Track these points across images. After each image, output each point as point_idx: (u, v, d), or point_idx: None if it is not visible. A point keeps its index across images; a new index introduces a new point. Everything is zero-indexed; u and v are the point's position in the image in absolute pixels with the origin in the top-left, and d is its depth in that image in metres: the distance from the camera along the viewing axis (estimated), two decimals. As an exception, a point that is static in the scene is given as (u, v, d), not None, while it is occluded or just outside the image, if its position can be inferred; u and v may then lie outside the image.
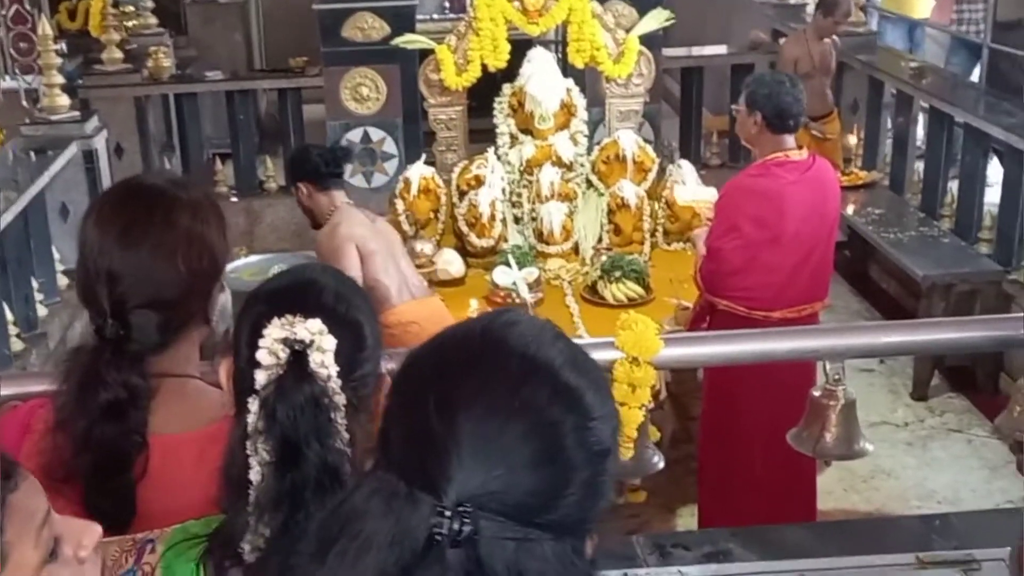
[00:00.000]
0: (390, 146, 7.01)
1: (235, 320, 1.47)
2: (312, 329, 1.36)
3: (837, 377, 1.94)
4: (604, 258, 4.90)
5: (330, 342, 1.36)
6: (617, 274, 4.69)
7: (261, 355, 1.36)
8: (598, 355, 2.00)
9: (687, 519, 4.33)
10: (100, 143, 5.74)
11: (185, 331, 1.67)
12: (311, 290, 1.44)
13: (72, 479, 1.55)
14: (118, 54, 7.08)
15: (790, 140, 3.78)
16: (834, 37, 6.63)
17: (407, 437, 0.95)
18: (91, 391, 1.57)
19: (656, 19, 5.49)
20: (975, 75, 6.94)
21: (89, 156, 5.60)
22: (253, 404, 1.36)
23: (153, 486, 1.56)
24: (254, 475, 1.37)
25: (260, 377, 1.36)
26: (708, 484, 4.04)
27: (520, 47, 5.34)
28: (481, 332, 1.01)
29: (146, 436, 1.58)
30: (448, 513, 0.89)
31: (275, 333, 1.36)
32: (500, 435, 0.92)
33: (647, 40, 5.42)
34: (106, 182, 5.64)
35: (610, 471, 0.98)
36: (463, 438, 0.91)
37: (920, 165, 6.57)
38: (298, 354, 1.36)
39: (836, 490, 4.53)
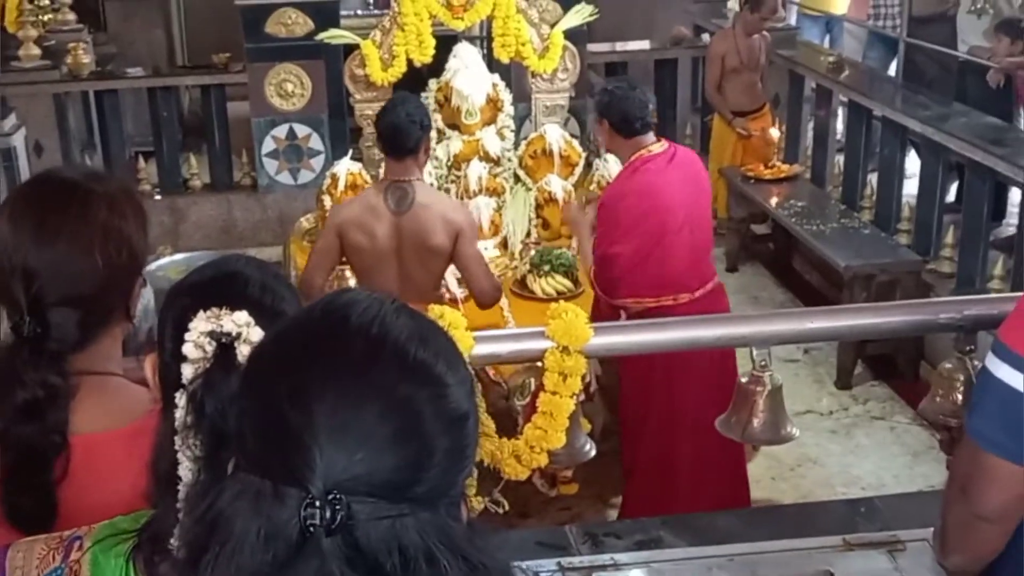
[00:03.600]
0: (316, 142, 6.96)
1: (159, 314, 1.45)
2: (239, 321, 1.34)
3: (764, 363, 1.97)
4: (533, 252, 4.92)
5: (258, 334, 1.34)
6: (546, 268, 4.72)
7: (187, 349, 1.34)
8: (529, 344, 2.01)
9: (618, 510, 4.36)
10: (19, 141, 5.63)
11: (106, 328, 1.63)
12: (236, 282, 1.42)
13: None
14: (36, 51, 6.91)
15: (646, 139, 3.87)
16: (764, 33, 6.73)
17: (263, 433, 0.94)
18: (8, 391, 1.52)
19: (580, 14, 5.51)
20: (892, 69, 7.09)
21: (7, 154, 5.49)
22: (180, 399, 1.34)
23: (76, 486, 1.53)
24: (183, 471, 1.35)
25: (187, 371, 1.34)
26: (629, 476, 4.08)
27: (445, 42, 5.33)
28: (321, 316, 1.00)
29: (66, 436, 1.54)
30: (318, 503, 0.88)
31: (201, 326, 1.34)
32: (356, 419, 0.91)
33: (571, 35, 5.44)
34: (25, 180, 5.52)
35: (471, 433, 0.98)
36: (319, 427, 0.91)
37: (840, 158, 6.70)
38: (225, 347, 1.33)
39: (764, 479, 4.60)
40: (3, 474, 1.51)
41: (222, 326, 1.33)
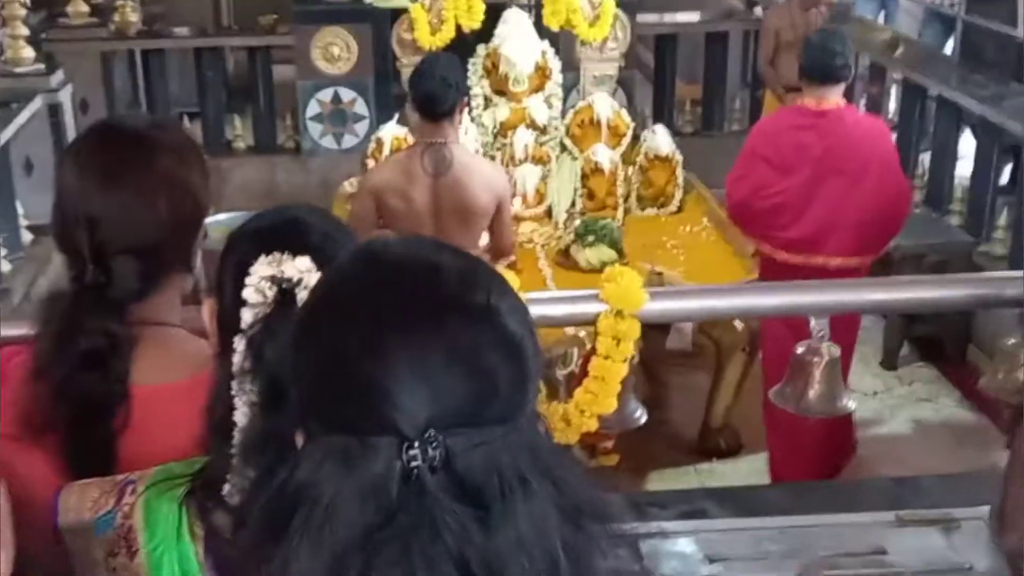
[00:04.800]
0: (361, 107, 6.94)
1: (219, 259, 1.43)
2: (300, 267, 1.33)
3: (822, 334, 1.93)
4: (577, 222, 4.89)
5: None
6: (590, 239, 4.68)
7: (247, 293, 1.33)
8: (582, 308, 1.99)
9: (656, 483, 4.34)
10: (65, 97, 5.65)
11: (167, 278, 1.62)
12: (297, 228, 1.41)
13: (50, 429, 1.51)
14: (84, 8, 6.96)
15: (823, 91, 3.96)
16: (822, 7, 6.61)
17: (340, 392, 0.94)
18: (70, 339, 1.51)
19: (632, -17, 5.45)
20: (948, 48, 6.96)
21: (54, 110, 5.52)
22: (239, 344, 1.33)
23: (135, 437, 1.52)
24: (239, 416, 1.33)
25: (246, 316, 1.32)
26: (779, 437, 4.13)
27: (494, 9, 5.28)
28: (369, 265, 1.00)
29: (128, 386, 1.53)
30: (417, 444, 0.89)
31: (262, 271, 1.33)
32: (428, 360, 0.92)
33: (622, 4, 5.38)
34: (71, 136, 5.54)
35: (532, 356, 0.97)
36: (397, 372, 0.91)
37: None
38: (286, 292, 1.32)
39: (804, 456, 4.56)
40: (64, 423, 1.51)
41: (283, 271, 1.32)
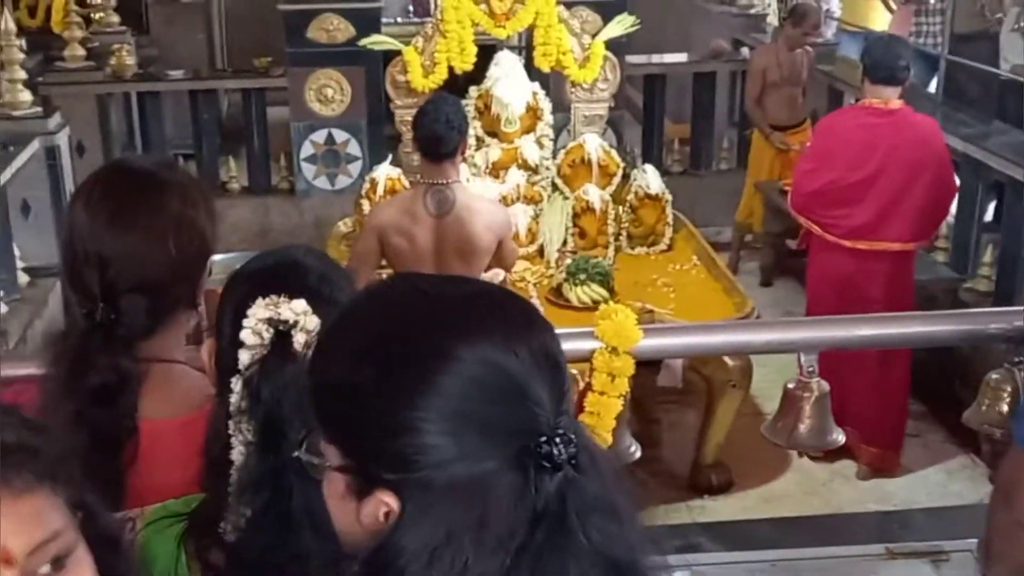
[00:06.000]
0: (354, 148, 7.00)
1: (219, 300, 1.47)
2: (296, 309, 1.36)
3: (812, 369, 1.97)
4: (569, 261, 4.92)
5: (314, 322, 1.36)
6: (582, 277, 4.71)
7: (245, 335, 1.36)
8: (578, 344, 2.02)
9: (648, 520, 4.34)
10: (62, 140, 5.68)
11: (173, 316, 1.66)
12: (295, 271, 1.44)
13: None
14: (80, 51, 7.01)
15: (886, 91, 4.33)
16: (807, 48, 6.70)
17: (482, 414, 0.99)
18: (81, 375, 1.55)
19: (621, 24, 5.52)
20: (932, 87, 7.04)
21: (51, 152, 5.54)
22: (236, 384, 1.36)
23: (142, 471, 1.55)
24: (236, 455, 1.36)
25: (243, 357, 1.36)
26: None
27: (486, 51, 5.36)
28: (426, 298, 1.07)
29: (136, 420, 1.56)
30: (558, 439, 0.99)
31: (259, 313, 1.36)
32: (543, 360, 1.03)
33: (611, 46, 5.45)
34: (68, 179, 5.58)
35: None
36: (527, 376, 1.01)
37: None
38: (282, 334, 1.35)
39: (796, 493, 4.58)
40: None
41: (280, 313, 1.35)
